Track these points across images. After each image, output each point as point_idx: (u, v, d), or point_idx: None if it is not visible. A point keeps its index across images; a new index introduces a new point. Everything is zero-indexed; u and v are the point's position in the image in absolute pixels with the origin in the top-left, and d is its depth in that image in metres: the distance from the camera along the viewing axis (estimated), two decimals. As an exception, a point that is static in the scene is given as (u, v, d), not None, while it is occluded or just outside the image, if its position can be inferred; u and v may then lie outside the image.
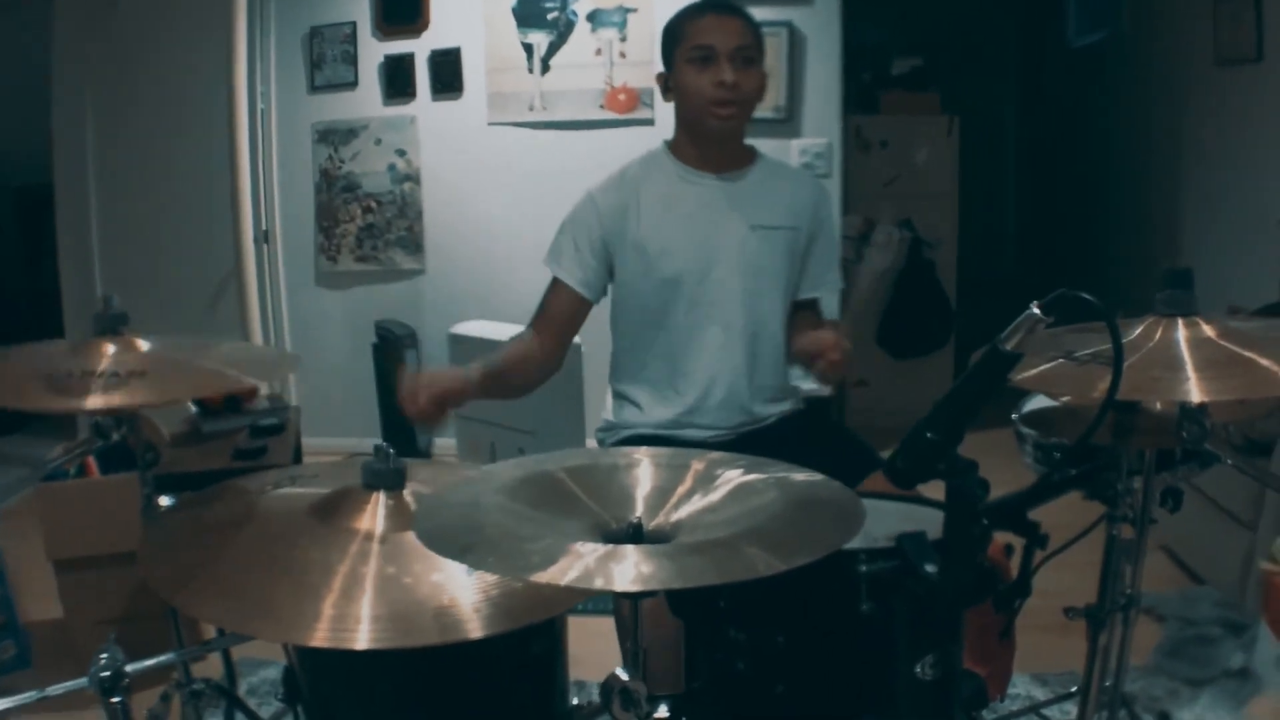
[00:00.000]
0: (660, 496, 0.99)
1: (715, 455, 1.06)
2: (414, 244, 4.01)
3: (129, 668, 1.02)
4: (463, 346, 3.50)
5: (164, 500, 1.36)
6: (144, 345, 1.32)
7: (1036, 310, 0.93)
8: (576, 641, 1.24)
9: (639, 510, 0.97)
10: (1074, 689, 1.67)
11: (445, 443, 3.97)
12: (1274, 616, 1.95)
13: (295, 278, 4.11)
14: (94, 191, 3.89)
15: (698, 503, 0.97)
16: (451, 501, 0.97)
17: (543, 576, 0.78)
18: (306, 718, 1.25)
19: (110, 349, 1.29)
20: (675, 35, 1.79)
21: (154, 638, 1.47)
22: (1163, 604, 2.48)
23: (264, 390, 3.03)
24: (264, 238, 3.97)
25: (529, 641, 1.17)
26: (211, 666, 1.72)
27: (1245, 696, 2.03)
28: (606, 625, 1.39)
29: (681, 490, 0.99)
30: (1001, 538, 1.11)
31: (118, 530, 1.97)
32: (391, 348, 3.92)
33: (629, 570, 0.79)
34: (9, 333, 1.67)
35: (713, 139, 1.81)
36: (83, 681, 1.00)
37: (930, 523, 1.09)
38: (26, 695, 1.24)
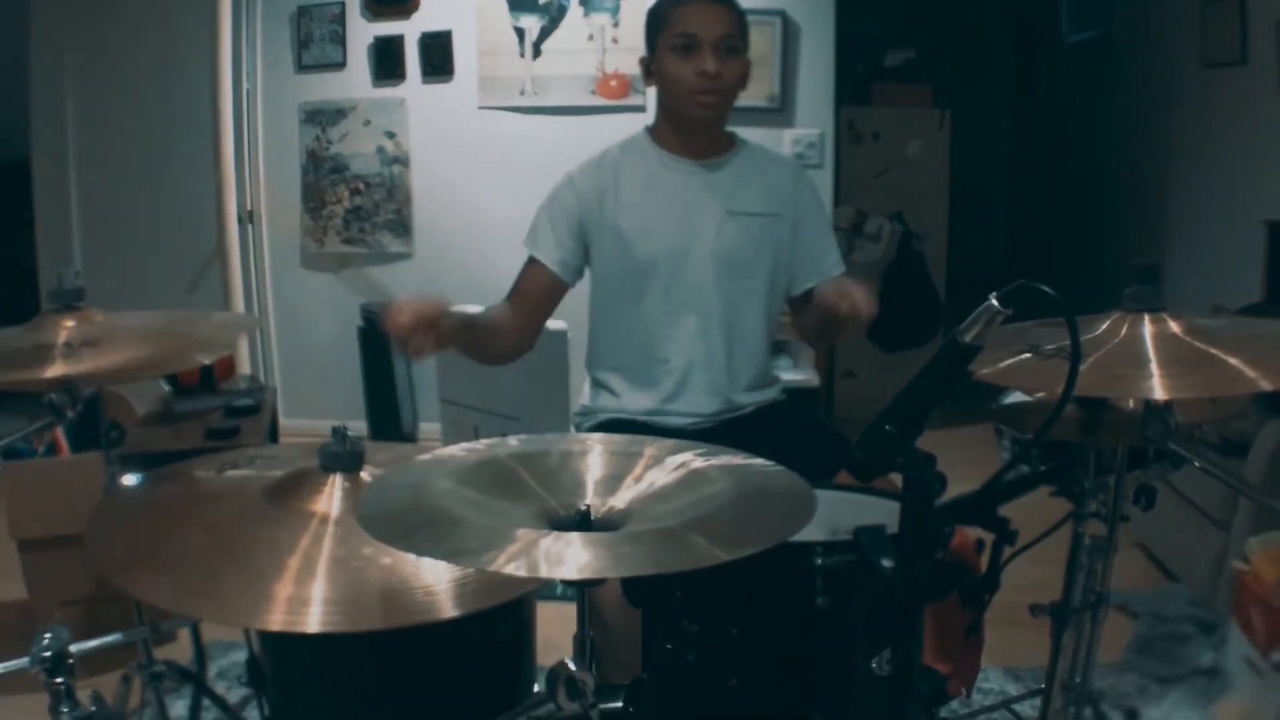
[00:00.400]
0: (611, 484, 0.97)
1: (669, 443, 1.05)
2: (402, 227, 3.99)
3: (74, 648, 1.00)
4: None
5: (129, 479, 1.34)
6: (98, 316, 1.30)
7: (995, 302, 0.92)
8: (557, 630, 1.22)
9: (589, 497, 0.96)
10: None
11: (430, 427, 3.96)
12: (1245, 616, 1.95)
13: (280, 259, 4.08)
14: (73, 169, 3.86)
15: (648, 491, 0.96)
16: (399, 485, 0.96)
17: (482, 563, 0.77)
18: (271, 703, 1.24)
19: (62, 322, 1.27)
20: (659, 21, 1.77)
21: (119, 620, 1.46)
22: (1135, 600, 2.49)
23: (243, 370, 3.01)
24: (248, 218, 3.94)
25: (495, 627, 1.17)
26: (183, 650, 1.71)
27: (1214, 695, 2.03)
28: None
29: (632, 478, 0.98)
30: (974, 533, 1.10)
31: (83, 510, 1.94)
32: (377, 331, 3.90)
33: (569, 558, 0.78)
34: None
35: (694, 126, 1.79)
36: (24, 662, 0.98)
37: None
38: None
